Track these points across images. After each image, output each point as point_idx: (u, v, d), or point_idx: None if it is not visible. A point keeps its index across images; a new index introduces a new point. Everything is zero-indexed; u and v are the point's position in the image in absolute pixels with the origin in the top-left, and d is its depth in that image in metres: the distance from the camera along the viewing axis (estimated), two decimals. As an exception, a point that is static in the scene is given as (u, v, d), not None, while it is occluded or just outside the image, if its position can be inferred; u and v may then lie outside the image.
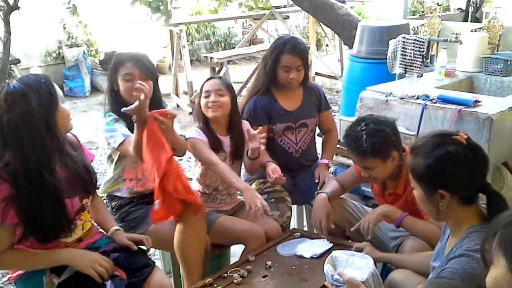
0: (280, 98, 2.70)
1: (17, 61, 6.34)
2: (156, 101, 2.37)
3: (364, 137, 2.10)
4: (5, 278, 2.93)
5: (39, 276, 1.79)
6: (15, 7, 4.22)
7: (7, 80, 4.31)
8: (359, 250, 2.03)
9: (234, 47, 8.62)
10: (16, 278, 1.87)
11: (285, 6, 8.36)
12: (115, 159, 2.30)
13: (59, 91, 1.82)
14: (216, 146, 2.39)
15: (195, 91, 6.25)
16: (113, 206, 2.36)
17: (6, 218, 1.67)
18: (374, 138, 2.09)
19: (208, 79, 2.48)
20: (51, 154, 1.75)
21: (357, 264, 1.82)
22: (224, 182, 2.39)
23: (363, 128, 2.13)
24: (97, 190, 2.08)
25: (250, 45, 8.48)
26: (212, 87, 2.39)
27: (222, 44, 9.80)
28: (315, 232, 2.73)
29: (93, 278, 1.74)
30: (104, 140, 2.21)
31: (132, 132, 2.08)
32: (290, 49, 2.58)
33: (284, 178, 2.38)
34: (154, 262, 1.98)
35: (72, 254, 1.80)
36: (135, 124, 1.97)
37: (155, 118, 1.97)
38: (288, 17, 7.98)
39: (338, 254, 1.86)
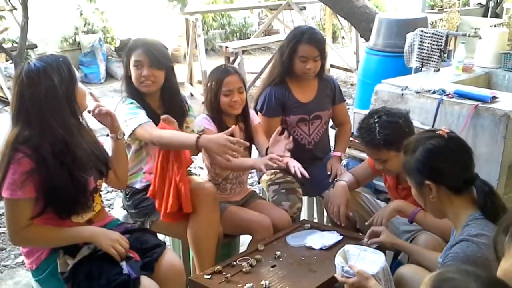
0: (295, 89, 2.68)
1: (34, 46, 6.38)
2: (171, 90, 2.38)
3: (377, 129, 2.09)
4: (18, 259, 2.98)
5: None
6: (33, -9, 4.24)
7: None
8: (376, 234, 2.01)
9: (249, 37, 8.58)
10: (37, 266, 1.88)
11: (302, -3, 8.30)
12: (134, 149, 2.31)
13: (76, 71, 1.86)
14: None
15: (209, 81, 6.24)
16: (126, 192, 2.37)
17: (26, 192, 1.70)
18: (387, 130, 2.09)
19: (226, 74, 2.42)
20: (72, 129, 1.78)
21: (368, 259, 1.81)
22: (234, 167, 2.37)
23: (376, 120, 2.12)
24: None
25: (265, 35, 8.44)
26: (233, 85, 2.40)
27: (238, 34, 9.75)
28: (325, 224, 2.72)
29: (113, 256, 1.77)
30: (123, 123, 2.19)
31: (151, 120, 2.16)
32: (308, 39, 2.55)
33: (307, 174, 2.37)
34: (165, 243, 2.00)
35: (93, 232, 1.82)
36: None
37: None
38: (304, 8, 7.92)
39: (350, 248, 1.85)
